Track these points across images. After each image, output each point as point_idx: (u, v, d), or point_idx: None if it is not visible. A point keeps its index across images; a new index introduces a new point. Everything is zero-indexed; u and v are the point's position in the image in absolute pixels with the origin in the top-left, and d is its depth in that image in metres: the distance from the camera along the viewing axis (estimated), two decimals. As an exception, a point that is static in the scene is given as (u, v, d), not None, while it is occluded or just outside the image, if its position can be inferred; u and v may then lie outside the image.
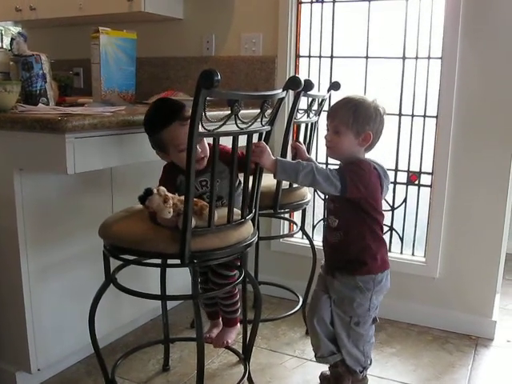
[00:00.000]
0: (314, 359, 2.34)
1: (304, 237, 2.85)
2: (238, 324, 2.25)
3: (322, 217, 3.12)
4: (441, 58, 2.62)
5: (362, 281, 2.05)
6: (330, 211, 2.11)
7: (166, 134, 1.83)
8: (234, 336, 2.24)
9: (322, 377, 2.28)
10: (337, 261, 2.13)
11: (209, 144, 1.86)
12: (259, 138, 1.84)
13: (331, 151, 2.09)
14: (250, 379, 2.18)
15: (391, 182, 2.86)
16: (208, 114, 1.55)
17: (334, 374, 2.23)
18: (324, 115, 2.83)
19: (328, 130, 2.07)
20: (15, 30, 3.95)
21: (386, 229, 2.90)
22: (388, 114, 2.78)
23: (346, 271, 2.08)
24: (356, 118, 1.98)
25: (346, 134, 1.99)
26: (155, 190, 1.67)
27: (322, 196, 3.05)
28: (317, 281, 2.25)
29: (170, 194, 1.68)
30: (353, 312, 2.09)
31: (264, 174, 2.01)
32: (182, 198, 1.66)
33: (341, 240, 2.08)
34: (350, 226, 2.05)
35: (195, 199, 1.68)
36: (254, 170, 1.89)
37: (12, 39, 2.22)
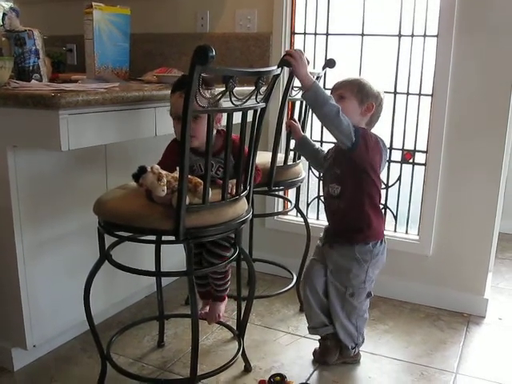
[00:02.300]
0: (308, 336, 2.38)
1: (298, 214, 2.86)
2: (226, 298, 2.26)
3: (316, 194, 3.12)
4: (437, 35, 2.60)
5: (359, 252, 2.11)
6: (334, 178, 2.14)
7: (171, 102, 1.91)
8: (224, 308, 2.25)
9: (315, 352, 2.31)
10: (335, 228, 2.20)
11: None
12: (254, 115, 1.84)
13: None
14: (244, 355, 2.20)
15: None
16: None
17: (321, 347, 2.28)
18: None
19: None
20: (7, 5, 3.90)
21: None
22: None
23: (344, 240, 2.14)
24: (361, 89, 2.09)
25: (350, 99, 2.07)
26: (149, 168, 1.67)
27: (317, 174, 3.05)
28: (314, 251, 2.30)
29: (163, 172, 1.68)
30: (348, 283, 2.14)
31: (258, 152, 2.01)
32: (176, 175, 1.66)
33: (340, 207, 2.14)
34: (352, 193, 2.10)
35: (189, 176, 1.68)
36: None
37: (4, 14, 2.20)
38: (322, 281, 2.22)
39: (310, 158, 2.37)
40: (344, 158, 2.08)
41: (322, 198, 3.07)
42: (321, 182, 2.74)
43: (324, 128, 2.28)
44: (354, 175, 2.08)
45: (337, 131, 1.97)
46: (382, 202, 2.91)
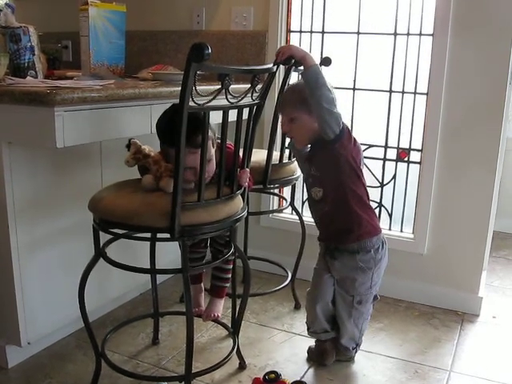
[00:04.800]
0: (302, 334, 2.39)
1: (293, 212, 2.86)
2: (224, 296, 2.26)
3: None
4: (432, 34, 2.61)
5: (362, 261, 2.08)
6: (314, 182, 2.12)
7: (173, 153, 1.61)
8: (221, 308, 2.25)
9: (310, 350, 2.31)
10: (326, 233, 2.17)
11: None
12: (250, 113, 1.84)
13: (298, 140, 2.13)
14: (238, 353, 2.20)
15: (381, 159, 2.87)
16: (198, 88, 1.54)
17: (319, 350, 2.27)
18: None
19: (282, 124, 2.12)
20: (2, 1, 3.89)
21: (374, 205, 2.91)
22: (378, 91, 2.81)
23: (342, 247, 2.10)
24: (300, 100, 2.02)
25: (299, 117, 2.04)
26: (133, 141, 1.82)
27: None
28: (317, 260, 2.26)
29: (146, 151, 1.79)
30: (355, 291, 2.12)
31: (254, 150, 2.01)
32: (156, 156, 1.78)
33: (326, 211, 2.11)
34: (335, 193, 2.07)
35: (165, 164, 1.76)
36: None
37: (-1, 10, 2.19)
38: (331, 290, 2.19)
39: (301, 159, 2.36)
40: (322, 155, 2.04)
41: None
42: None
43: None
44: (334, 175, 2.04)
45: (329, 116, 1.94)
46: (377, 200, 2.92)
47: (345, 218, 2.08)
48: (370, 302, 2.18)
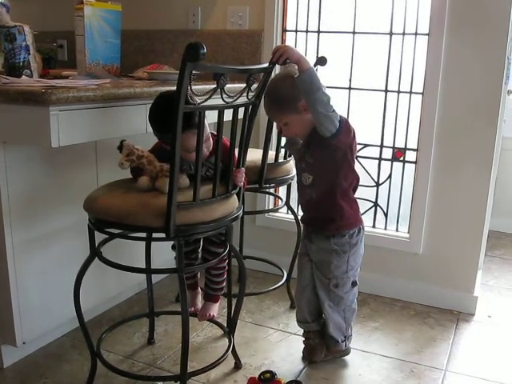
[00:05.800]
0: (298, 333, 2.40)
1: (289, 212, 2.86)
2: (220, 299, 2.26)
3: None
4: (428, 34, 2.61)
5: (337, 244, 2.12)
6: (306, 167, 2.13)
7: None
8: (217, 309, 2.25)
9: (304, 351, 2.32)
10: (309, 217, 2.20)
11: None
12: (245, 112, 1.84)
13: (299, 135, 2.15)
14: (234, 352, 2.20)
15: (376, 158, 2.88)
16: (193, 87, 1.54)
17: (306, 347, 2.29)
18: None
19: (279, 128, 2.14)
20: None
21: (370, 204, 2.92)
22: (374, 90, 2.82)
23: (318, 229, 2.15)
24: (282, 104, 2.04)
25: (290, 119, 2.06)
26: (125, 142, 1.78)
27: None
28: (300, 244, 2.32)
29: (139, 152, 1.77)
30: (331, 274, 2.15)
31: (249, 149, 2.01)
32: (149, 156, 1.78)
33: (313, 197, 2.13)
34: (324, 183, 2.09)
35: (159, 164, 1.76)
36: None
37: (-6, 10, 2.18)
38: (309, 273, 2.23)
39: (295, 151, 2.36)
40: (320, 146, 2.04)
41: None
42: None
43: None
44: (328, 166, 2.06)
45: (324, 117, 1.94)
46: (373, 199, 2.92)
47: (329, 208, 2.11)
48: (347, 287, 2.18)
